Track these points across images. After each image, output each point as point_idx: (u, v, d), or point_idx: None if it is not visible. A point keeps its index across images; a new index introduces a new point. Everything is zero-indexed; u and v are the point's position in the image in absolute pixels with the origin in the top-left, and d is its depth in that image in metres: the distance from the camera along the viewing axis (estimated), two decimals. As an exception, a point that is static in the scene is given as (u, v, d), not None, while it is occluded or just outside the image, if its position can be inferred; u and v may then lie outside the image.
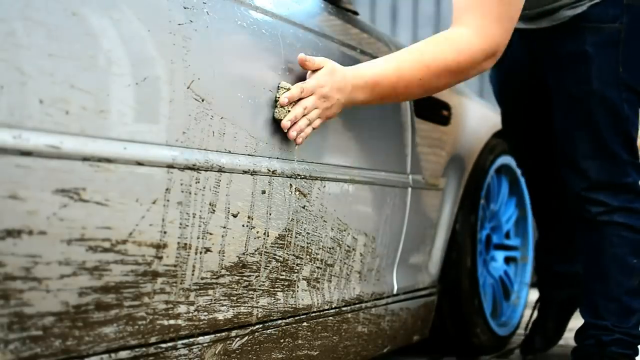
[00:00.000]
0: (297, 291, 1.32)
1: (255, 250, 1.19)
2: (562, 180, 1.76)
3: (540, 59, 1.78)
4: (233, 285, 1.15)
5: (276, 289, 1.26)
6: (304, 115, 1.26)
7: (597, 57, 1.63)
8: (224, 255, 1.12)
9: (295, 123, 1.24)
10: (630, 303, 1.70)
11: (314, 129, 1.29)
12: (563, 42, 1.67)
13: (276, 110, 1.24)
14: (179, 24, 1.03)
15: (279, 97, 1.23)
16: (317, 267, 1.37)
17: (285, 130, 1.24)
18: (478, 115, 2.16)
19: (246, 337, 1.20)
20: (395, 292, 1.69)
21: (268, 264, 1.23)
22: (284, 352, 1.30)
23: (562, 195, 1.84)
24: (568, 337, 2.07)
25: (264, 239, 1.21)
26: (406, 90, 1.41)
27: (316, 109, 1.28)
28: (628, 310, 1.70)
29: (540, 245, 2.15)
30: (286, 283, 1.29)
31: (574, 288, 2.02)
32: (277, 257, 1.25)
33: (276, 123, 1.23)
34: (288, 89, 1.25)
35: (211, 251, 1.09)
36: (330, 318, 1.43)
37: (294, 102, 1.25)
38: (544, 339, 2.06)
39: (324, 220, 1.37)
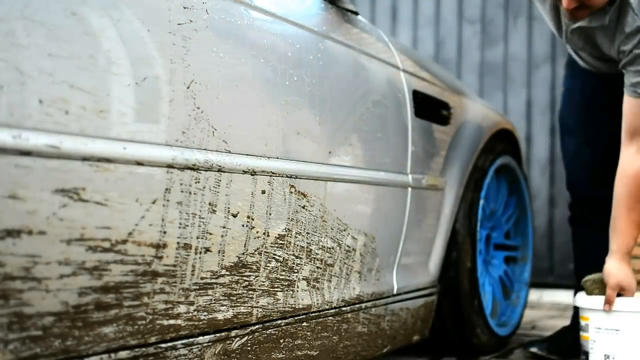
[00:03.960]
0: (297, 291, 1.32)
1: (255, 250, 1.19)
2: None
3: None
4: (233, 285, 1.15)
5: (276, 289, 1.26)
6: None
7: None
8: (223, 255, 1.12)
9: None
10: None
11: None
12: None
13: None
14: (179, 24, 1.03)
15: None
16: (317, 267, 1.37)
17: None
18: (478, 115, 2.16)
19: (246, 337, 1.20)
20: (395, 292, 1.68)
21: (268, 264, 1.23)
22: (284, 352, 1.30)
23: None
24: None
25: (264, 239, 1.21)
26: None
27: None
28: None
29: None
30: (286, 283, 1.29)
31: None
32: (277, 257, 1.25)
33: (276, 123, 1.23)
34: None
35: (211, 251, 1.09)
36: (330, 318, 1.43)
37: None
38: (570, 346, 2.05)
39: (324, 220, 1.37)
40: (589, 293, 1.85)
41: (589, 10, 1.72)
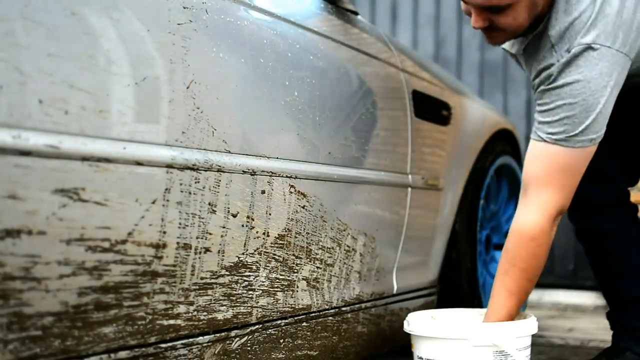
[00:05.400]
0: (297, 291, 1.32)
1: (255, 250, 1.19)
2: None
3: None
4: (232, 285, 1.15)
5: (276, 289, 1.26)
6: None
7: None
8: (223, 255, 1.12)
9: None
10: None
11: None
12: None
13: None
14: (179, 24, 1.03)
15: None
16: (317, 267, 1.37)
17: None
18: (478, 115, 2.16)
19: (245, 337, 1.20)
20: (394, 292, 1.68)
21: (267, 264, 1.23)
22: (284, 352, 1.30)
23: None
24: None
25: (264, 239, 1.21)
26: (529, 291, 1.53)
27: None
28: None
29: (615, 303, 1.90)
30: (286, 283, 1.29)
31: None
32: (277, 257, 1.25)
33: (276, 123, 1.23)
34: None
35: (211, 251, 1.09)
36: (330, 318, 1.43)
37: None
38: None
39: (324, 220, 1.37)
40: None
41: (506, 35, 1.49)
